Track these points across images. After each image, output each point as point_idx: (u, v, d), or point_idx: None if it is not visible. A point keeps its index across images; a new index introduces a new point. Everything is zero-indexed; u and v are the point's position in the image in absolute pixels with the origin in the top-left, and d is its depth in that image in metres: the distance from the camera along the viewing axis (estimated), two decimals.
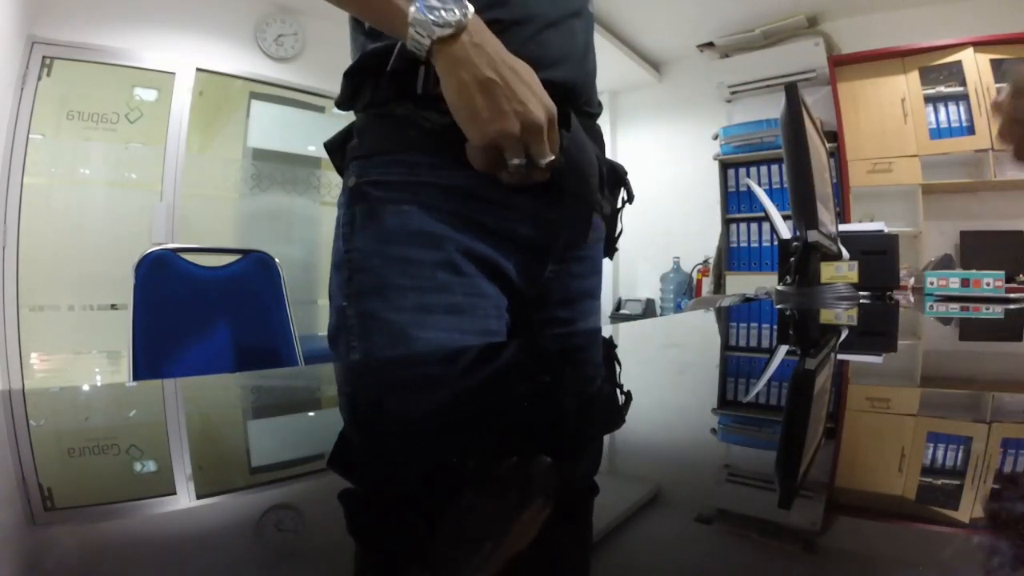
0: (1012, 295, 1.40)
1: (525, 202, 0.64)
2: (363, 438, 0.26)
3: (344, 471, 0.21)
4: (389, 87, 0.62)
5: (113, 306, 2.68)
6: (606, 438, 0.26)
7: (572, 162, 0.62)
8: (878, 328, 0.84)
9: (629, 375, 0.43)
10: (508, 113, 0.53)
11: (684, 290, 3.98)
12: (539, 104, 0.55)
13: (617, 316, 4.15)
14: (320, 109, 3.42)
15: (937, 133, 3.09)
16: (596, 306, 0.78)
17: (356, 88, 0.66)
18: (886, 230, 1.65)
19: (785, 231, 1.35)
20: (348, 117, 0.69)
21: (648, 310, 4.09)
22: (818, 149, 1.26)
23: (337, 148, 0.68)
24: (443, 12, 0.51)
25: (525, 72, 0.55)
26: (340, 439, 0.26)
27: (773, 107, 3.28)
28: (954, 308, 1.13)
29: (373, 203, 0.61)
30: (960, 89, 3.02)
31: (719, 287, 3.68)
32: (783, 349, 0.63)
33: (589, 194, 0.66)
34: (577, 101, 0.67)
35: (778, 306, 1.15)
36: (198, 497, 0.18)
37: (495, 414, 0.30)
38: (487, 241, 0.62)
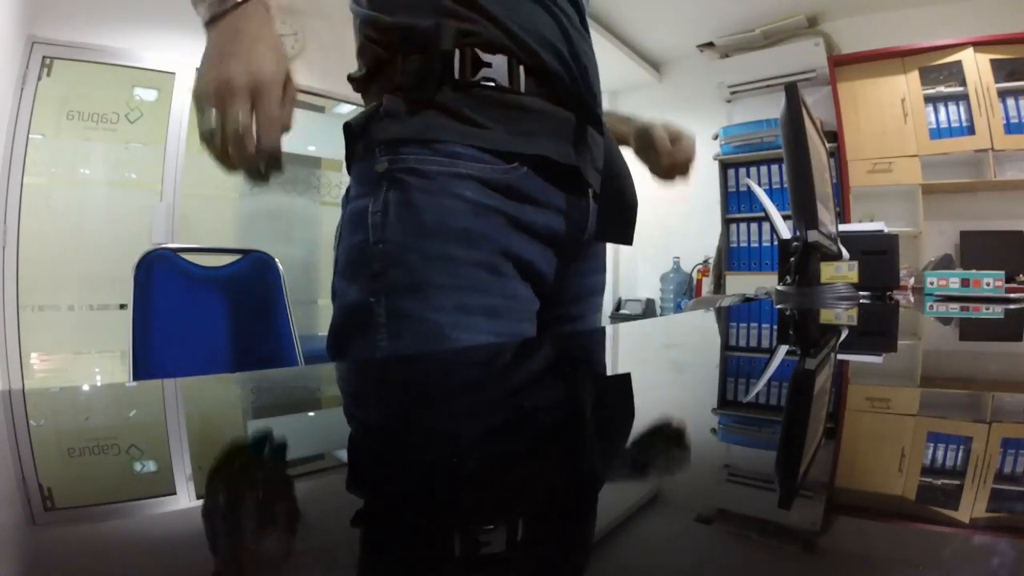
0: (1012, 295, 1.40)
1: (560, 199, 0.64)
2: (372, 439, 0.26)
3: (353, 471, 0.21)
4: (423, 69, 0.58)
5: (119, 306, 2.67)
6: (606, 437, 0.26)
7: (610, 165, 0.64)
8: (878, 328, 0.84)
9: (630, 375, 0.43)
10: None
11: (684, 290, 3.98)
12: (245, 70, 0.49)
13: (617, 316, 4.15)
14: (320, 109, 3.42)
15: (937, 133, 3.09)
16: (600, 303, 0.79)
17: (378, 66, 0.62)
18: (886, 230, 1.65)
19: (785, 231, 1.35)
20: (349, 115, 0.68)
21: (648, 310, 4.09)
22: (818, 149, 1.26)
23: (359, 131, 0.63)
24: None
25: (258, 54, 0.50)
26: (353, 439, 0.26)
27: (773, 107, 3.28)
28: (954, 308, 1.13)
29: (410, 193, 0.57)
30: (960, 89, 3.02)
31: (719, 287, 3.68)
32: (783, 349, 0.63)
33: (629, 195, 0.69)
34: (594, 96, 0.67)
35: (778, 306, 1.15)
36: (198, 497, 0.18)
37: (499, 413, 0.29)
38: (524, 240, 0.61)
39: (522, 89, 0.61)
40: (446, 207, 0.57)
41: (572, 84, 0.64)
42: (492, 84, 0.60)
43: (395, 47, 0.61)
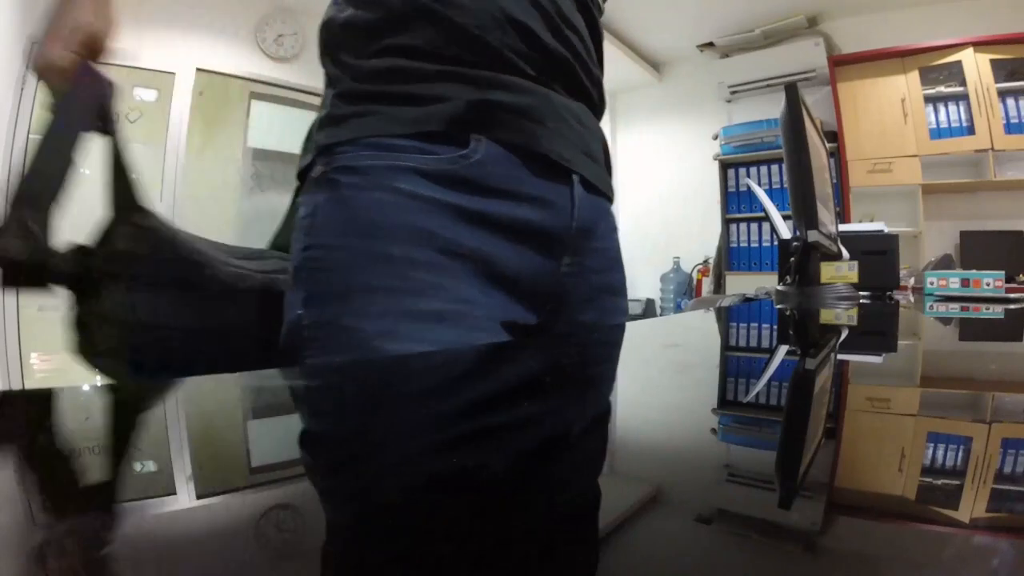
0: (1012, 295, 1.41)
1: (535, 186, 0.55)
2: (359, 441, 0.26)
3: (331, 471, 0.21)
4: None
5: None
6: (607, 437, 0.26)
7: None
8: (878, 328, 0.84)
9: (629, 375, 0.43)
10: None
11: (684, 290, 3.99)
12: None
13: None
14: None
15: (937, 133, 3.10)
16: (621, 304, 0.69)
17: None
18: (886, 230, 1.65)
19: (785, 231, 1.35)
20: None
21: (648, 310, 4.10)
22: (818, 149, 1.26)
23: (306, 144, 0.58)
24: None
25: None
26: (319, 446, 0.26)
27: (773, 107, 3.28)
28: (954, 308, 1.13)
29: (340, 191, 0.51)
30: (960, 89, 3.03)
31: (719, 287, 3.68)
32: (783, 349, 0.63)
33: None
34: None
35: (778, 306, 1.15)
36: (198, 497, 0.18)
37: (487, 417, 0.29)
38: (483, 235, 0.53)
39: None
40: (378, 200, 0.50)
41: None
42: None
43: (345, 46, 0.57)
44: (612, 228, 0.69)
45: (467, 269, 0.52)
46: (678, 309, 3.88)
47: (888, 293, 1.45)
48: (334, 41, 0.57)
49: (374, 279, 0.50)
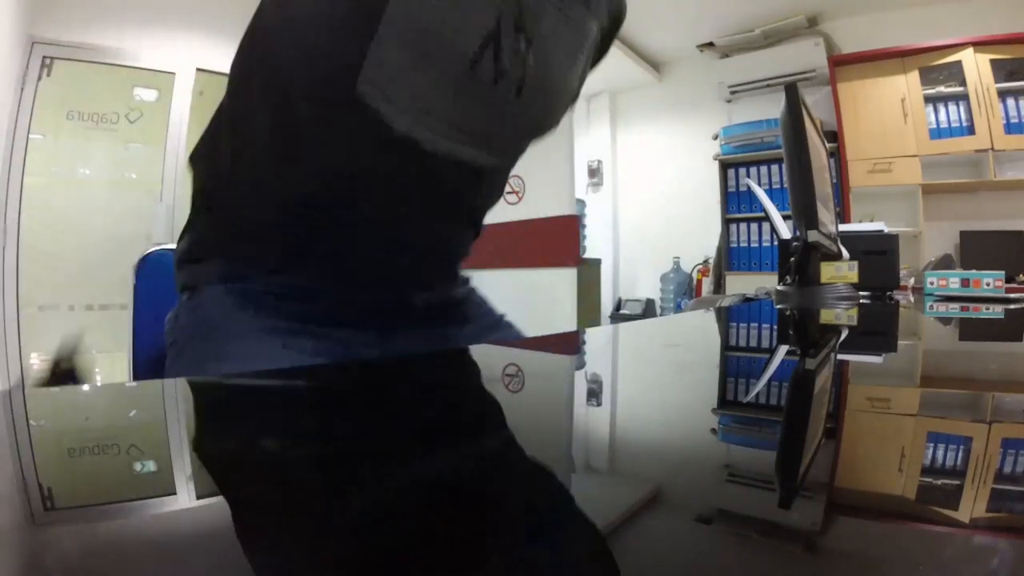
0: (1012, 295, 1.40)
1: (369, 302, 0.61)
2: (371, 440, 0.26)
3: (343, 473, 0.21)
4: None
5: (119, 306, 2.67)
6: (609, 438, 0.26)
7: None
8: (878, 328, 0.84)
9: (630, 375, 0.43)
10: None
11: (684, 290, 3.99)
12: None
13: (617, 316, 4.16)
14: None
15: (937, 133, 3.10)
16: (492, 327, 0.72)
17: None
18: (886, 230, 1.65)
19: (785, 231, 1.35)
20: None
21: (648, 310, 4.09)
22: (818, 149, 1.26)
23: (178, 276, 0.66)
24: None
25: None
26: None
27: (773, 107, 3.28)
28: (954, 308, 1.13)
29: (199, 297, 0.59)
30: (960, 89, 3.02)
31: (719, 287, 3.68)
32: (783, 349, 0.63)
33: None
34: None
35: (778, 306, 1.15)
36: (198, 497, 0.18)
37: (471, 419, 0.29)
38: (325, 336, 0.59)
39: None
40: (227, 305, 0.57)
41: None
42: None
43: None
44: (466, 294, 0.71)
45: (315, 346, 0.58)
46: (678, 309, 3.88)
47: (888, 293, 1.45)
48: (201, 176, 0.64)
49: (229, 348, 0.56)
